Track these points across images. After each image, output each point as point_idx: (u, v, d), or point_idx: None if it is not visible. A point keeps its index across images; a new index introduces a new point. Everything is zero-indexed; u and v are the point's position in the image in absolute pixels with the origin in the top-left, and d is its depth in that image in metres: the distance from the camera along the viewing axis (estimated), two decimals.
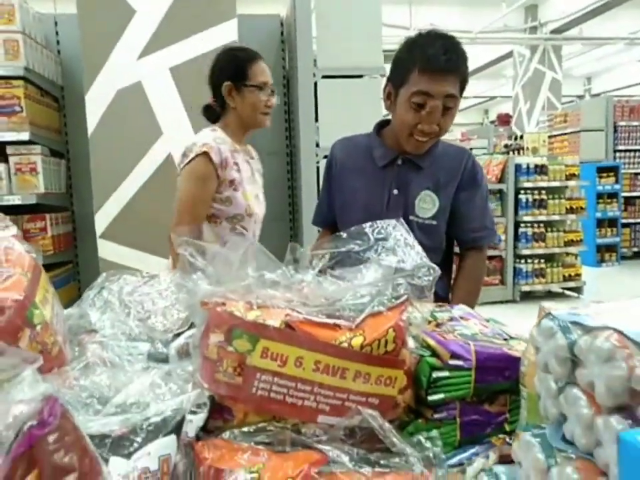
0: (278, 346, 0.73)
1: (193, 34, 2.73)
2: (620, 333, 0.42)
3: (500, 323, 1.04)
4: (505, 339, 0.93)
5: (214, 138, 1.84)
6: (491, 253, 5.91)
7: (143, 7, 2.70)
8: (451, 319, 1.01)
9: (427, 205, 1.52)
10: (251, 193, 1.93)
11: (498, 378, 0.82)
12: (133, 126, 2.76)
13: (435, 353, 0.83)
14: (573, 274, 6.06)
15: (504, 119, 12.41)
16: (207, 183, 1.80)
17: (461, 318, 1.01)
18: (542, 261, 5.92)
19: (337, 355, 0.74)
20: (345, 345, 0.74)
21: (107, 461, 0.60)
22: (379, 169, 1.56)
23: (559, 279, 5.99)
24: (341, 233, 0.85)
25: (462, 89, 1.43)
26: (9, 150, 3.00)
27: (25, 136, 2.93)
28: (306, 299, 0.81)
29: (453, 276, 1.68)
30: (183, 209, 1.82)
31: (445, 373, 0.81)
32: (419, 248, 0.85)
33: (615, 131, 8.30)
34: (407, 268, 0.80)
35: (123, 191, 2.79)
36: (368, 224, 0.87)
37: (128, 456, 0.63)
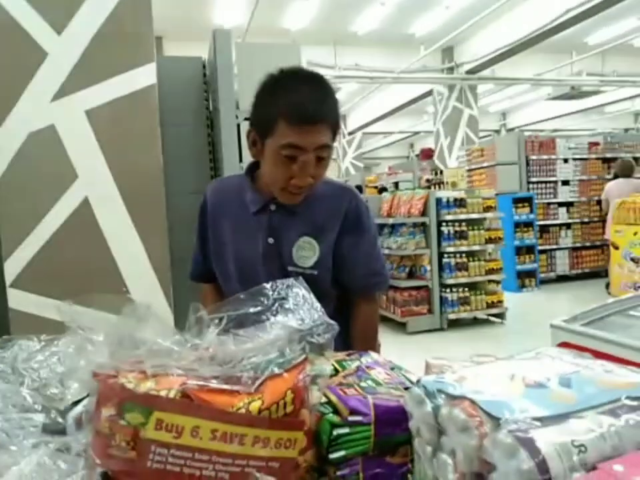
0: (173, 417, 0.71)
1: (109, 77, 2.68)
2: (473, 402, 0.45)
3: (405, 370, 1.08)
4: (407, 388, 0.96)
5: None
6: (417, 283, 6.11)
7: (55, 49, 2.63)
8: (358, 369, 1.04)
9: (306, 252, 1.37)
10: None
11: (396, 430, 0.84)
12: (46, 169, 2.65)
13: (336, 409, 0.85)
14: (495, 300, 6.38)
15: (427, 153, 13.04)
16: None
17: (367, 367, 1.04)
18: (466, 289, 6.18)
19: (234, 422, 0.73)
20: (243, 410, 0.74)
21: None
22: (251, 216, 1.40)
23: (482, 306, 6.28)
24: (240, 294, 0.85)
25: (334, 134, 1.28)
26: None
27: None
28: (208, 361, 0.80)
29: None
30: None
31: (346, 430, 0.82)
32: (317, 305, 0.87)
33: (528, 164, 8.93)
34: (305, 327, 0.81)
35: (35, 237, 2.65)
36: (269, 284, 0.87)
37: None
